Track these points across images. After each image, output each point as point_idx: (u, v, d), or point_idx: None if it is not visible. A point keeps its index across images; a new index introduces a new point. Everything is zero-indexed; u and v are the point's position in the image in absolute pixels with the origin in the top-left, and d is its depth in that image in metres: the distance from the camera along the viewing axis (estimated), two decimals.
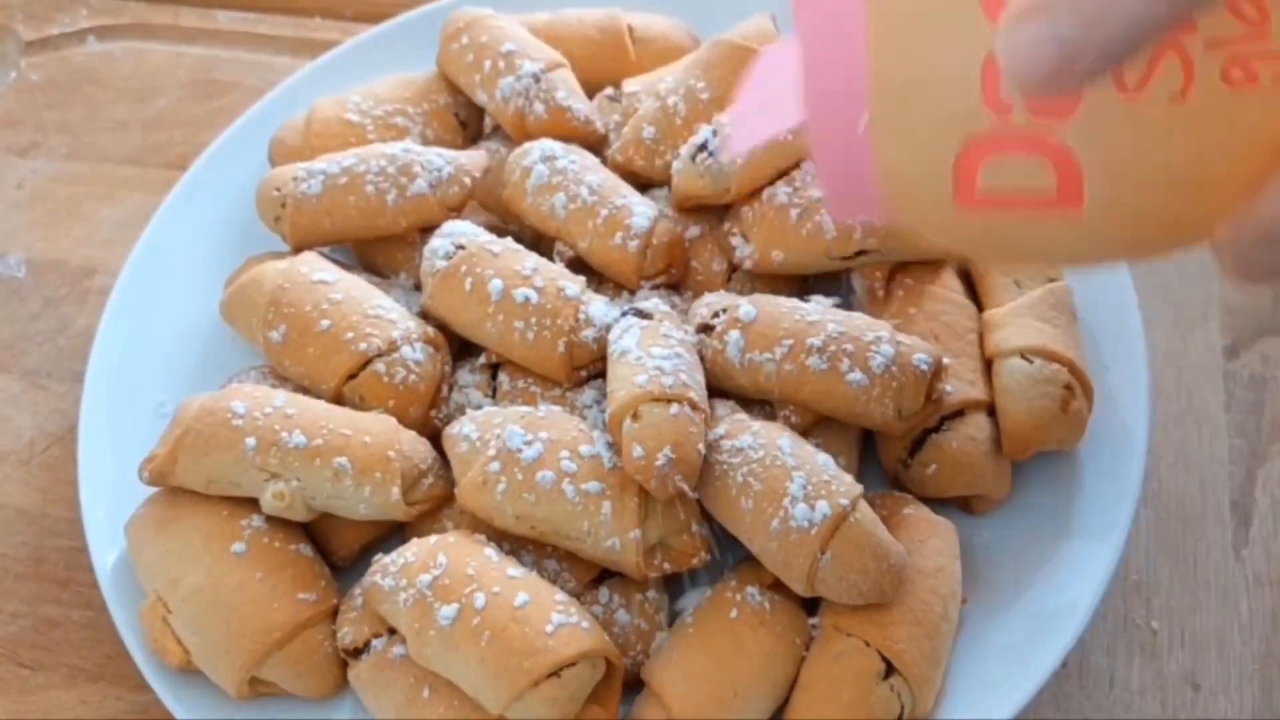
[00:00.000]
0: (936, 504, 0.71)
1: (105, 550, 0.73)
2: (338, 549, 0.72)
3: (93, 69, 1.05)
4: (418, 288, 0.80)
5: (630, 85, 0.86)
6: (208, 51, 1.06)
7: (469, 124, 0.88)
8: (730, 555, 0.69)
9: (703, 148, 0.76)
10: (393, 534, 0.73)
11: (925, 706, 0.64)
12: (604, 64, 0.88)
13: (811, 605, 0.67)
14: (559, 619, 0.62)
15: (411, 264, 0.80)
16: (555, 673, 0.61)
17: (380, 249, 0.82)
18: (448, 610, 0.62)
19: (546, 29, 0.88)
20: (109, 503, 0.74)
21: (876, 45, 0.44)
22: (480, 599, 0.62)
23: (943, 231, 0.48)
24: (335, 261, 0.79)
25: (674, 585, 0.70)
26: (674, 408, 0.65)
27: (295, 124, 0.87)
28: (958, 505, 0.72)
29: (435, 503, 0.71)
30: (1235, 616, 0.74)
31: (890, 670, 0.64)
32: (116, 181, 0.97)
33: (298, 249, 0.80)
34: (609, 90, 0.86)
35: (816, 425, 0.71)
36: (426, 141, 0.85)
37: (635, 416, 0.65)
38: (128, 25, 1.08)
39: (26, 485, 0.83)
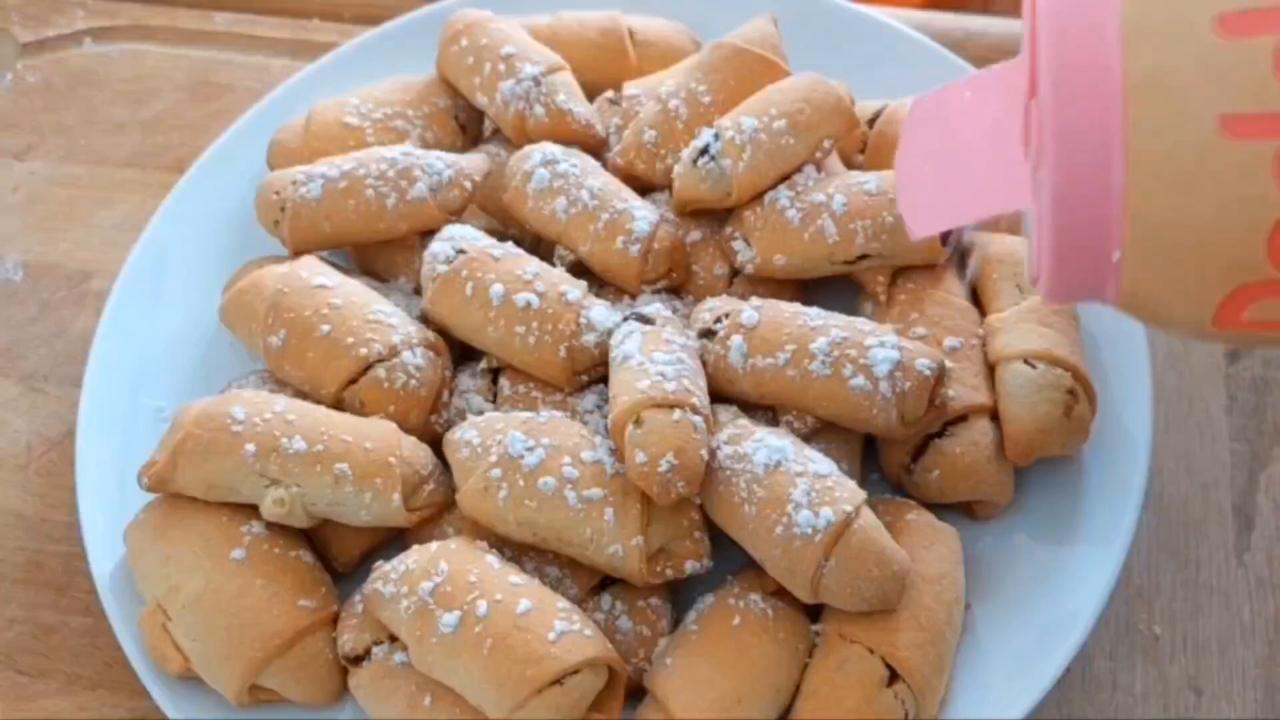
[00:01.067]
0: (939, 509, 0.71)
1: (104, 556, 0.72)
2: (338, 555, 0.72)
3: (90, 71, 1.05)
4: (418, 292, 0.79)
5: (631, 88, 0.85)
6: (205, 53, 1.05)
7: (469, 127, 0.88)
8: (732, 561, 0.68)
9: (704, 152, 0.76)
10: (393, 540, 0.73)
11: (929, 713, 0.64)
12: (605, 67, 0.88)
13: (814, 612, 0.67)
14: (562, 626, 0.62)
15: (411, 268, 0.80)
16: (558, 680, 0.61)
17: (380, 253, 0.81)
18: (449, 618, 0.62)
19: (547, 31, 0.88)
20: (107, 508, 0.74)
21: (1141, 184, 0.45)
22: (482, 606, 0.62)
23: (1182, 333, 0.50)
24: (334, 265, 0.79)
25: (676, 591, 0.70)
26: (676, 413, 0.65)
27: (294, 127, 0.87)
28: (961, 511, 0.72)
29: (436, 509, 0.70)
30: (1237, 621, 0.74)
31: (894, 677, 0.64)
32: (114, 184, 0.97)
33: (297, 253, 0.79)
34: (609, 93, 0.86)
35: (819, 431, 0.71)
36: (426, 145, 0.85)
37: (638, 422, 0.65)
38: (124, 27, 1.07)
39: (24, 490, 0.82)
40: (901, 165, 0.61)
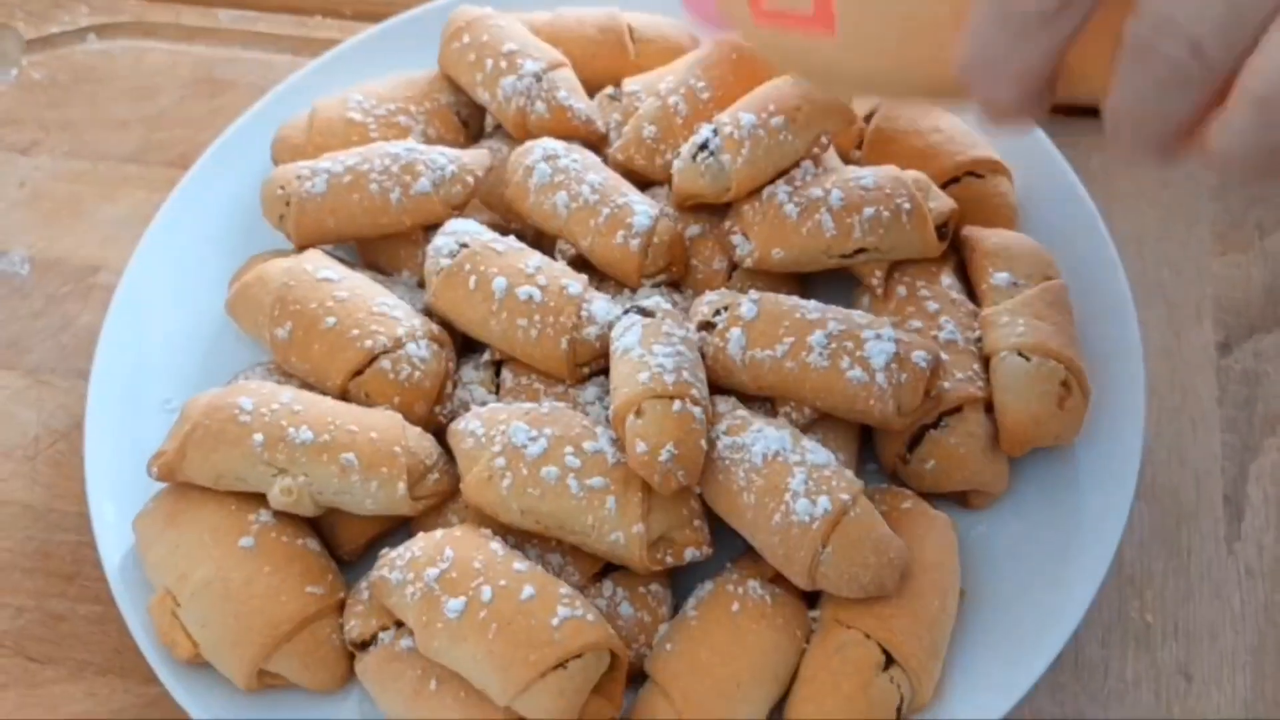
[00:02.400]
0: (935, 499, 0.72)
1: (113, 545, 0.73)
2: (344, 543, 0.73)
3: (93, 67, 1.06)
4: (421, 285, 0.80)
5: (630, 84, 0.86)
6: (208, 50, 1.06)
7: (470, 123, 0.89)
8: (731, 549, 0.70)
9: (703, 147, 0.77)
10: (398, 529, 0.74)
11: (924, 697, 0.65)
12: (604, 63, 0.89)
13: (812, 598, 0.69)
14: (565, 612, 0.63)
15: (414, 261, 0.81)
16: (561, 664, 0.62)
17: (383, 247, 0.82)
18: (455, 603, 0.63)
19: (547, 28, 0.89)
20: (116, 498, 0.75)
21: None
22: (487, 592, 0.63)
23: (753, 40, 0.64)
24: (338, 259, 0.80)
25: (676, 578, 0.71)
26: (676, 404, 0.66)
27: (298, 123, 0.88)
28: (956, 500, 0.73)
29: (440, 498, 0.71)
30: (1228, 609, 0.75)
31: (890, 662, 0.65)
32: (118, 179, 0.98)
33: (302, 247, 0.80)
34: (609, 89, 0.87)
35: (817, 422, 0.72)
36: (428, 140, 0.86)
37: (639, 413, 0.66)
38: (128, 24, 1.08)
39: (32, 481, 0.83)
40: None
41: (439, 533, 0.67)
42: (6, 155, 1.00)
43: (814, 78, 0.69)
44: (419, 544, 0.66)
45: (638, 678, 0.67)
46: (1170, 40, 0.47)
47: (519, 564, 0.65)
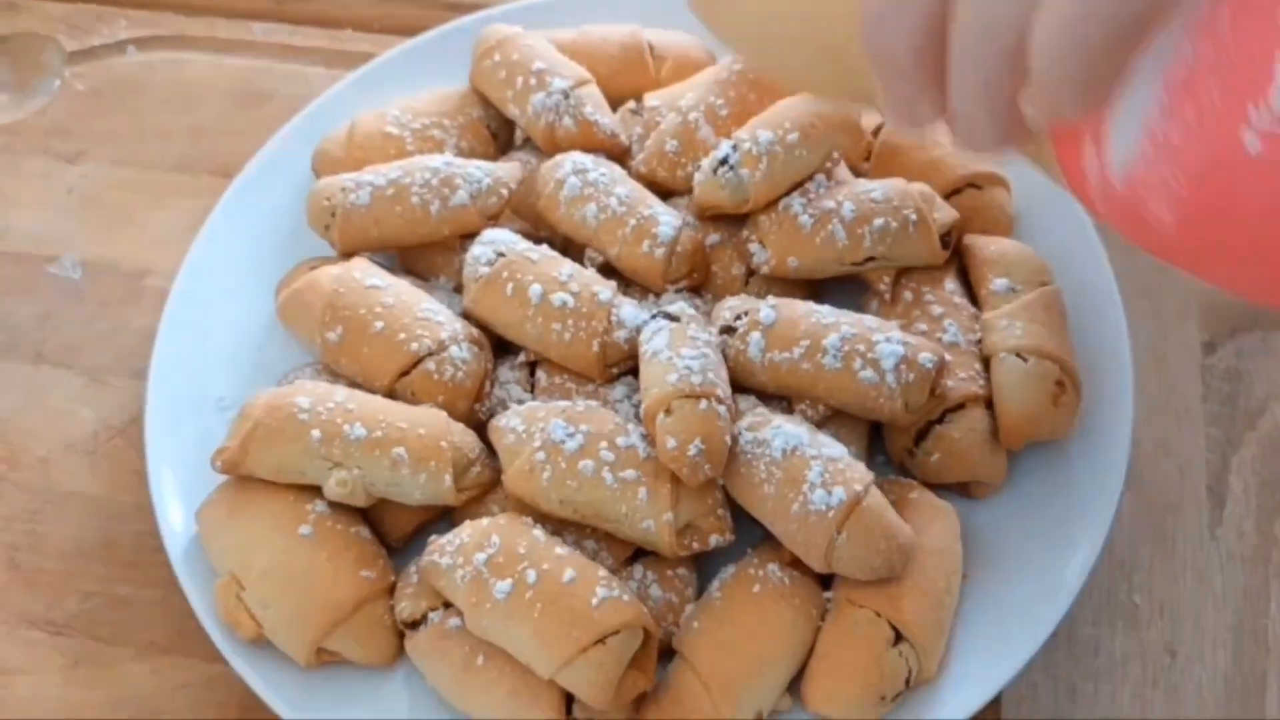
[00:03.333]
0: (939, 489, 0.77)
1: (176, 533, 0.78)
2: (391, 531, 0.78)
3: (135, 79, 1.09)
4: (458, 290, 0.85)
5: (651, 99, 0.91)
6: (245, 62, 1.09)
7: (500, 135, 0.94)
8: (751, 535, 0.75)
9: (723, 162, 0.82)
10: (440, 518, 0.79)
11: (930, 670, 0.71)
12: (626, 79, 0.93)
13: (826, 580, 0.74)
14: (603, 593, 0.68)
15: (451, 268, 0.86)
16: (601, 641, 0.67)
17: (421, 254, 0.87)
18: (503, 585, 0.68)
19: (571, 45, 0.94)
20: (178, 489, 0.80)
21: None
22: (532, 575, 0.68)
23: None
24: (379, 264, 0.85)
25: (701, 563, 0.76)
26: (703, 403, 0.71)
27: (338, 136, 0.92)
28: (959, 491, 0.78)
29: (482, 489, 0.77)
30: (1210, 591, 0.80)
31: (899, 638, 0.70)
32: (165, 187, 1.02)
33: (345, 254, 0.85)
34: (631, 104, 0.92)
35: (830, 418, 0.77)
36: (461, 152, 0.91)
37: (668, 411, 0.71)
38: (166, 36, 1.12)
39: (93, 474, 0.88)
40: None
41: (484, 521, 0.72)
42: (55, 164, 1.05)
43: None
44: (467, 531, 0.72)
45: (667, 653, 0.73)
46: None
47: (560, 549, 0.70)
